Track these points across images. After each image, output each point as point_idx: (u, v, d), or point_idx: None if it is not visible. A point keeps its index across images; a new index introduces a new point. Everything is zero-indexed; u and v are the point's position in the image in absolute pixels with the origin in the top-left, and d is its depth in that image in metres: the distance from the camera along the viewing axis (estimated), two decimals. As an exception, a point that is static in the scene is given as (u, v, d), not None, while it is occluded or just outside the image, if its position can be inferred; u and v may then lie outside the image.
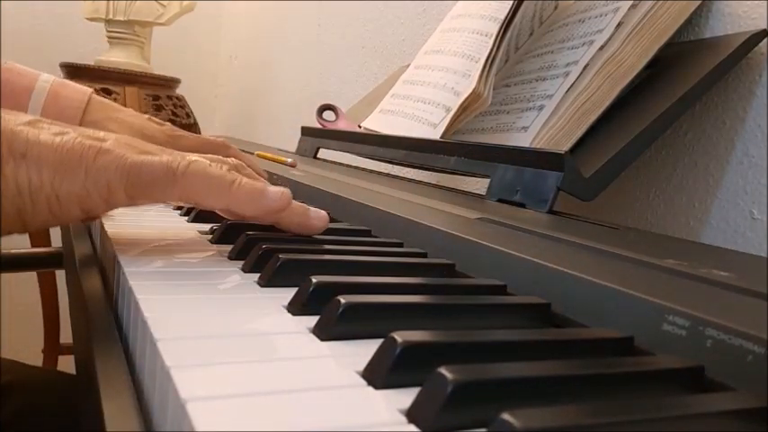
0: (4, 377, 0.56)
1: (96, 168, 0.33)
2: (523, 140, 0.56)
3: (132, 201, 0.35)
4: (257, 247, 0.35)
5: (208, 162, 0.36)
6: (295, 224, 0.39)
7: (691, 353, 0.23)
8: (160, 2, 1.65)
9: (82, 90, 0.58)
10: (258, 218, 0.38)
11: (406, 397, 0.20)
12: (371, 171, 0.86)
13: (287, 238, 0.40)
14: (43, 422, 0.52)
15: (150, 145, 0.37)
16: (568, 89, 0.55)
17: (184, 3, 1.68)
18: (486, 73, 0.56)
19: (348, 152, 0.86)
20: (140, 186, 0.34)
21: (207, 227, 0.47)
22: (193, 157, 0.37)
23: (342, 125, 0.90)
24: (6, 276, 1.69)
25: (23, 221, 0.33)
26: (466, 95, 0.57)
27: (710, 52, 0.53)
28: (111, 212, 0.39)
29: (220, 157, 0.40)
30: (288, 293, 0.29)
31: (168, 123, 0.55)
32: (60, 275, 1.50)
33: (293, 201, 0.39)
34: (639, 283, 0.28)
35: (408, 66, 0.81)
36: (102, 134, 0.36)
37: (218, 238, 0.42)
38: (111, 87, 1.54)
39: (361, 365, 0.22)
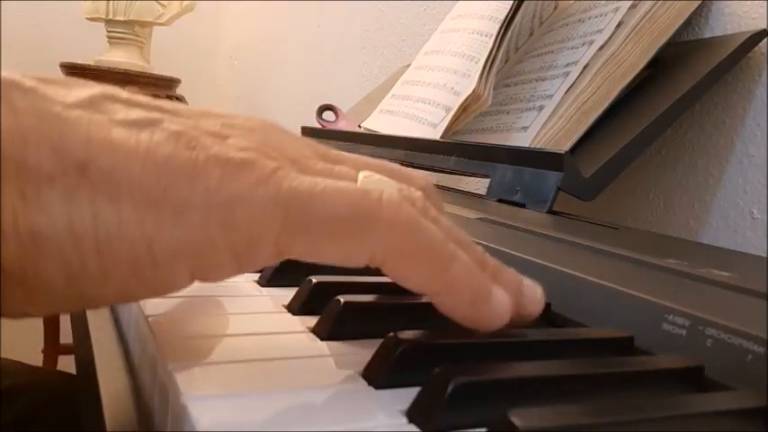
0: (6, 381, 0.56)
1: (227, 198, 0.18)
2: (523, 140, 0.56)
3: (283, 255, 0.20)
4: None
5: (414, 204, 0.21)
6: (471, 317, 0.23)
7: (691, 352, 0.23)
8: (160, 2, 1.65)
9: None
10: (449, 312, 0.23)
11: (407, 397, 0.20)
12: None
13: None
14: (45, 424, 0.52)
15: (296, 145, 0.22)
16: (568, 89, 0.55)
17: (184, 3, 1.68)
18: (486, 73, 0.56)
19: (348, 152, 0.86)
20: (306, 230, 0.19)
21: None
22: (391, 185, 0.22)
23: (342, 125, 0.90)
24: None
25: (82, 293, 0.18)
26: (466, 95, 0.57)
27: (710, 52, 0.53)
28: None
29: (409, 188, 0.23)
30: (288, 293, 0.29)
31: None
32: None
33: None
34: (639, 283, 0.28)
35: (408, 66, 0.81)
36: (218, 122, 0.21)
37: None
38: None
39: (362, 365, 0.22)
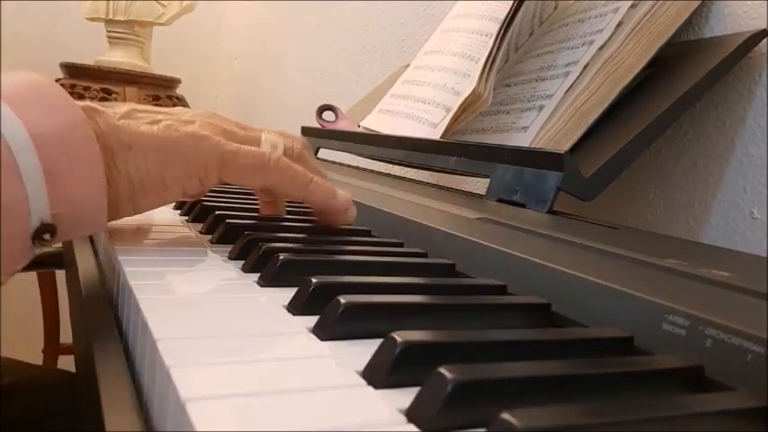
0: (6, 378, 0.56)
1: (196, 153, 0.37)
2: (523, 140, 0.56)
3: (223, 182, 0.39)
4: (257, 246, 0.35)
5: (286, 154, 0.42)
6: (320, 201, 0.43)
7: (690, 352, 0.23)
8: (160, 2, 1.65)
9: None
10: (311, 204, 0.43)
11: (406, 397, 0.20)
12: (371, 171, 0.86)
13: (287, 238, 0.40)
14: (45, 422, 0.52)
15: (228, 124, 0.41)
16: (568, 89, 0.55)
17: (184, 3, 1.68)
18: (486, 73, 0.56)
19: (348, 152, 0.86)
20: (233, 170, 0.39)
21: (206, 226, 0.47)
22: (279, 146, 0.42)
23: (341, 125, 0.90)
24: (6, 276, 1.69)
25: (135, 205, 0.37)
26: (466, 95, 0.57)
27: (710, 52, 0.53)
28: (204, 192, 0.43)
29: (292, 141, 0.44)
30: (288, 293, 0.29)
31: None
32: (60, 275, 1.50)
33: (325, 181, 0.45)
34: (639, 283, 0.28)
35: (408, 66, 0.81)
36: (188, 115, 0.40)
37: (219, 238, 0.42)
38: (111, 87, 1.54)
39: (361, 365, 0.22)
